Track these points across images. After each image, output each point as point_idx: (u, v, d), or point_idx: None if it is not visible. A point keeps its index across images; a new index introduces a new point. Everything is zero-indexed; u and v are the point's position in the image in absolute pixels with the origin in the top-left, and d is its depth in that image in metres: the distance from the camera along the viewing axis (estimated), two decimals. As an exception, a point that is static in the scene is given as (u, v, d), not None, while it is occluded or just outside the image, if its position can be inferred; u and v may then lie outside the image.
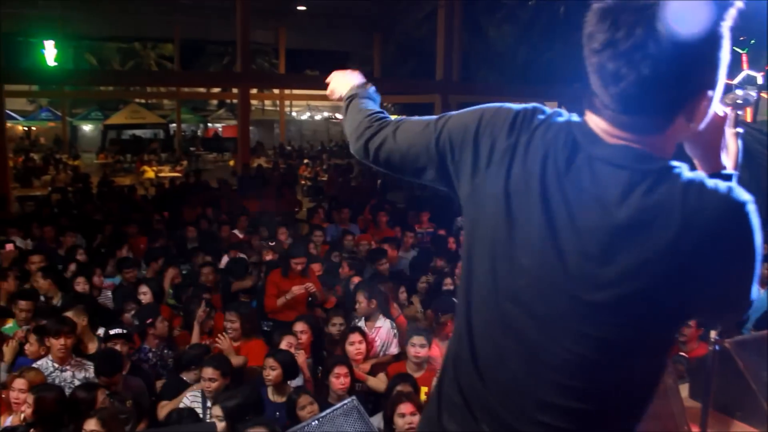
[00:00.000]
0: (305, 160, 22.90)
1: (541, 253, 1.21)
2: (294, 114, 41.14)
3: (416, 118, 1.57)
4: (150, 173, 19.56)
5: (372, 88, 1.88)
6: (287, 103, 33.30)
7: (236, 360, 5.15)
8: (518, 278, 1.24)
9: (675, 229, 1.10)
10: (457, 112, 1.49)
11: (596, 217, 1.17)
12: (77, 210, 11.35)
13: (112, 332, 5.11)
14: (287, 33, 25.97)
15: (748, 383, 3.58)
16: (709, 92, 1.20)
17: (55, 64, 20.18)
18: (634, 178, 1.15)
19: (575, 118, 1.31)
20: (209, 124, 37.33)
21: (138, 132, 31.78)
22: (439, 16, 17.13)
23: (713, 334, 2.91)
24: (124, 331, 5.15)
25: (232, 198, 12.19)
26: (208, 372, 4.51)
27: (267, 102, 37.60)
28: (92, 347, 5.33)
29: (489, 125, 1.36)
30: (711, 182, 1.14)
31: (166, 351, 5.53)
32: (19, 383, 4.34)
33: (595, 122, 1.25)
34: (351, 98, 1.83)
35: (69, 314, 5.19)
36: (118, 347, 4.94)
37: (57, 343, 4.81)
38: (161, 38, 31.38)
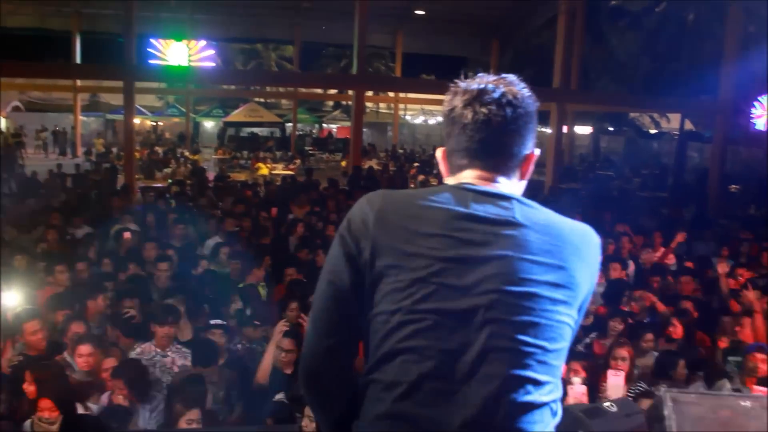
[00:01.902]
0: (415, 164, 22.91)
1: None
2: (408, 118, 41.32)
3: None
4: (264, 170, 20.12)
5: None
6: (401, 106, 33.44)
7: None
8: None
9: None
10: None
11: None
12: (192, 202, 11.78)
13: (212, 322, 5.23)
14: (404, 37, 26.09)
15: None
16: None
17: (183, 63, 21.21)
18: None
19: None
20: (324, 125, 38.10)
21: (255, 130, 32.87)
22: (560, 23, 16.66)
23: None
24: (223, 323, 5.26)
25: (340, 198, 12.31)
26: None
27: (381, 105, 37.97)
28: (187, 334, 5.48)
29: None
30: None
31: (254, 345, 5.59)
32: (108, 362, 4.51)
33: None
34: None
35: (173, 302, 5.37)
36: (215, 338, 5.05)
37: (161, 331, 4.98)
38: (282, 40, 32.33)
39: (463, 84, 1.57)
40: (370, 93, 26.36)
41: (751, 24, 16.37)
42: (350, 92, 19.33)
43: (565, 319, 1.46)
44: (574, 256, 1.48)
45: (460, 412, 1.36)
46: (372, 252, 1.45)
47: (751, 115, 16.72)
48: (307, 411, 4.11)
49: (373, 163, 21.30)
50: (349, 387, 1.53)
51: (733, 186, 17.53)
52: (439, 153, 1.65)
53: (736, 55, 14.72)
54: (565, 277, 1.46)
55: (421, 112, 42.85)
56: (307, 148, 29.88)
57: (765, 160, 16.82)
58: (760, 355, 4.99)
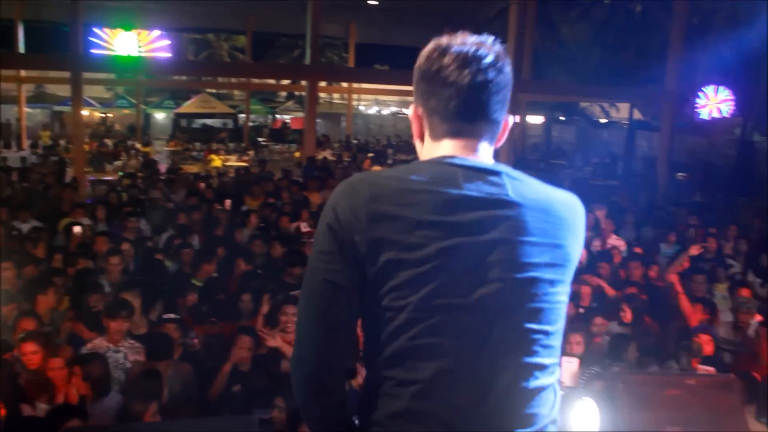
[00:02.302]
0: (369, 154, 22.91)
1: None
2: (362, 108, 41.26)
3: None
4: (217, 162, 19.89)
5: None
6: (355, 96, 33.38)
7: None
8: None
9: None
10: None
11: None
12: (144, 195, 11.60)
13: (165, 316, 5.17)
14: (357, 27, 26.03)
15: (821, 408, 3.35)
16: None
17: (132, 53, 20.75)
18: None
19: None
20: (277, 116, 37.81)
21: (208, 121, 32.46)
22: (511, 14, 16.82)
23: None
24: (178, 316, 5.21)
25: (294, 189, 12.26)
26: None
27: (335, 95, 37.84)
28: (142, 329, 5.41)
29: None
30: None
31: (211, 338, 5.56)
32: (57, 362, 4.41)
33: None
34: None
35: (127, 295, 5.29)
36: (169, 332, 4.99)
37: (114, 325, 4.90)
38: (234, 30, 31.92)
39: (451, 42, 1.50)
40: (323, 83, 26.21)
41: (695, 17, 16.79)
42: (303, 83, 19.23)
43: (563, 299, 1.48)
44: (568, 233, 1.48)
45: (478, 405, 1.37)
46: (369, 247, 1.37)
47: (696, 105, 17.16)
48: (278, 402, 4.11)
49: (328, 154, 21.22)
50: (345, 391, 1.51)
51: (680, 174, 17.98)
52: (411, 111, 1.58)
53: (682, 46, 15.07)
54: (561, 255, 1.46)
55: (375, 103, 42.84)
56: (259, 139, 29.61)
57: (709, 148, 17.31)
58: (704, 336, 5.18)
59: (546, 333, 1.43)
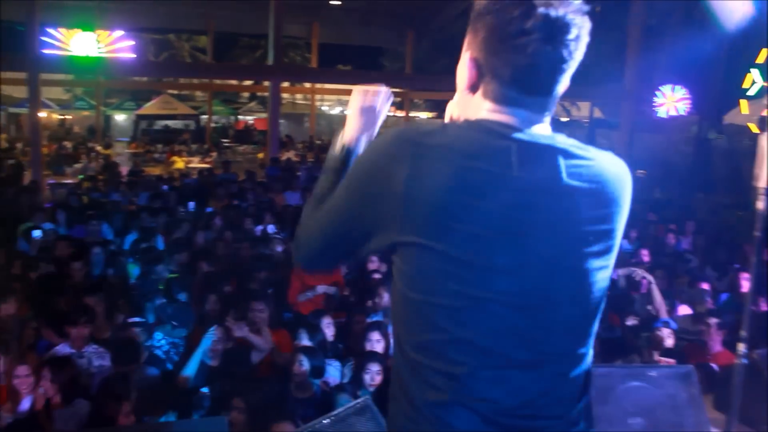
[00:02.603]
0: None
1: None
2: (325, 108, 41.18)
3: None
4: (179, 163, 19.70)
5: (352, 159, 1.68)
6: (318, 97, 33.29)
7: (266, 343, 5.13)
8: None
9: None
10: None
11: None
12: (106, 198, 11.44)
13: (131, 320, 5.13)
14: (320, 27, 25.97)
15: (775, 396, 3.46)
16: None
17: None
18: None
19: None
20: (240, 117, 37.54)
21: (169, 123, 32.07)
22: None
23: (741, 346, 2.81)
24: (143, 320, 5.17)
25: (258, 191, 12.21)
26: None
27: (298, 96, 37.68)
28: (106, 334, 5.36)
29: None
30: None
31: (176, 339, 5.52)
32: (23, 370, 4.35)
33: None
34: (326, 172, 1.66)
35: (89, 300, 5.23)
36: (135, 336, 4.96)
37: (75, 331, 4.84)
38: (195, 30, 31.58)
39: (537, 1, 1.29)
40: (286, 84, 26.11)
41: (652, 17, 17.12)
42: (266, 83, 19.15)
43: (606, 285, 1.40)
44: (618, 216, 1.40)
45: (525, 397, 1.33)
46: (403, 221, 1.28)
47: (654, 104, 17.50)
48: (236, 403, 4.11)
49: (291, 155, 21.16)
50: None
51: (640, 171, 18.33)
52: (467, 59, 1.39)
53: (639, 46, 15.36)
54: (610, 241, 1.38)
55: (338, 103, 42.79)
56: (222, 140, 29.35)
57: (667, 145, 17.66)
58: (665, 330, 5.31)
59: (592, 322, 1.39)
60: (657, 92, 17.44)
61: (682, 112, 17.43)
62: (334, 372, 5.09)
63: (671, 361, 4.63)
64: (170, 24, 27.82)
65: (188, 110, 31.28)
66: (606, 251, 1.38)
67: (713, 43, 13.94)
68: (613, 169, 1.39)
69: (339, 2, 21.86)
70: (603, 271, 1.38)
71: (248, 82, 29.62)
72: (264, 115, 29.84)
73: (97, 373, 4.72)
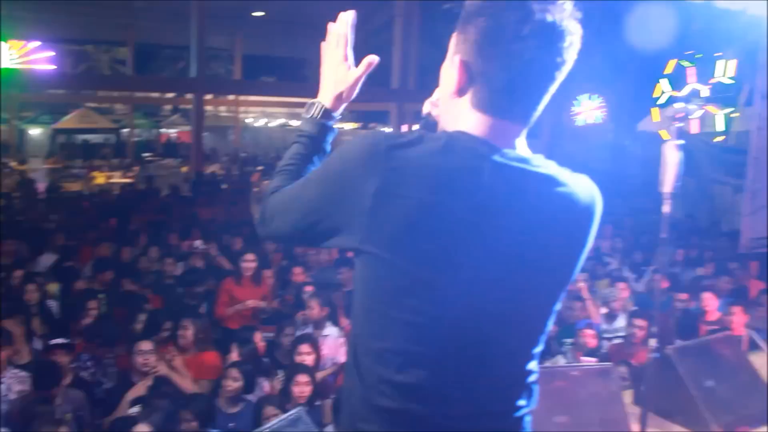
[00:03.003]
0: (259, 168, 22.69)
1: None
2: (249, 121, 40.75)
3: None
4: (100, 179, 19.16)
5: (332, 124, 1.67)
6: (243, 109, 32.93)
7: (184, 383, 5.02)
8: None
9: None
10: None
11: None
12: (22, 216, 11.04)
13: (52, 342, 4.97)
14: (243, 39, 25.76)
15: (688, 390, 3.65)
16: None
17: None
18: None
19: None
20: (163, 130, 36.75)
21: (89, 137, 31.11)
22: (396, 25, 17.21)
23: (653, 341, 2.96)
24: (66, 341, 5.02)
25: (183, 205, 12.01)
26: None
27: (221, 108, 37.19)
28: (26, 357, 5.18)
29: None
30: None
31: (105, 360, 5.39)
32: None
33: None
34: (301, 136, 1.65)
35: (6, 323, 5.04)
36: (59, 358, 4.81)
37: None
38: (115, 41, 30.80)
39: (533, 5, 1.26)
40: (209, 96, 25.76)
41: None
42: (189, 96, 18.85)
43: (557, 306, 1.44)
44: (585, 242, 1.41)
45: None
46: (367, 232, 1.27)
47: (573, 113, 18.07)
48: (184, 415, 4.05)
49: (216, 168, 20.86)
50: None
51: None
52: (456, 62, 1.35)
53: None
54: (573, 266, 1.41)
55: (263, 115, 42.41)
56: (145, 154, 28.64)
57: (586, 153, 18.26)
58: (588, 331, 5.51)
59: (539, 340, 1.41)
60: (575, 101, 18.04)
61: (599, 121, 18.08)
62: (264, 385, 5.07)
63: (593, 360, 4.82)
64: (88, 35, 27.06)
65: (108, 124, 30.41)
66: (568, 276, 1.40)
67: (626, 54, 14.53)
68: (585, 194, 1.37)
69: (262, 13, 21.75)
70: (561, 295, 1.41)
71: (170, 95, 29.04)
72: (187, 128, 29.31)
73: (17, 399, 4.55)
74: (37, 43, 19.28)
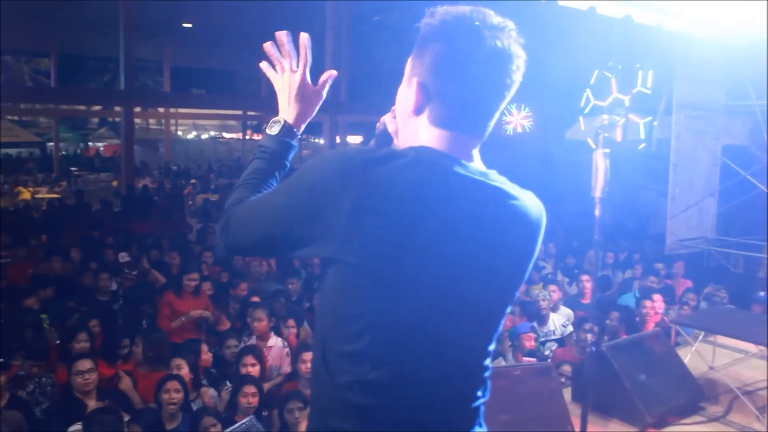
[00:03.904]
0: (192, 180, 22.39)
1: None
2: (179, 133, 40.13)
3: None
4: (26, 194, 18.53)
5: (295, 144, 1.74)
6: (172, 121, 32.44)
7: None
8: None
9: None
10: None
11: None
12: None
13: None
14: (172, 50, 25.41)
15: (623, 384, 3.85)
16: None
17: None
18: None
19: None
20: (90, 143, 35.81)
21: (11, 151, 30.05)
22: (327, 38, 17.32)
23: (589, 337, 3.12)
24: (1, 360, 4.89)
25: (115, 220, 11.76)
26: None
27: (151, 120, 36.53)
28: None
29: None
30: None
31: (44, 378, 5.25)
32: None
33: None
34: (263, 152, 1.70)
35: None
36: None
37: None
38: (36, 52, 29.91)
39: (485, 32, 1.38)
40: (138, 109, 25.27)
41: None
42: (118, 108, 18.48)
43: (508, 309, 1.60)
44: (534, 251, 1.53)
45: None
46: (342, 243, 1.34)
47: (503, 122, 18.54)
48: (132, 427, 4.00)
49: (147, 182, 20.48)
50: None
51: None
52: (413, 83, 1.45)
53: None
54: (523, 273, 1.53)
55: (193, 127, 41.86)
56: (72, 168, 27.85)
57: (515, 161, 18.71)
58: (527, 335, 5.72)
59: (490, 341, 1.53)
60: (504, 112, 18.51)
61: (527, 129, 18.61)
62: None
63: (532, 360, 5.00)
64: (7, 44, 26.15)
65: (32, 137, 29.48)
66: (519, 281, 1.53)
67: (552, 66, 15.02)
68: (534, 208, 1.49)
69: (190, 24, 21.51)
70: (512, 298, 1.55)
71: (98, 107, 28.34)
72: (116, 141, 28.68)
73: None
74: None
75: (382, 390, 1.41)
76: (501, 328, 1.55)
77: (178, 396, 4.60)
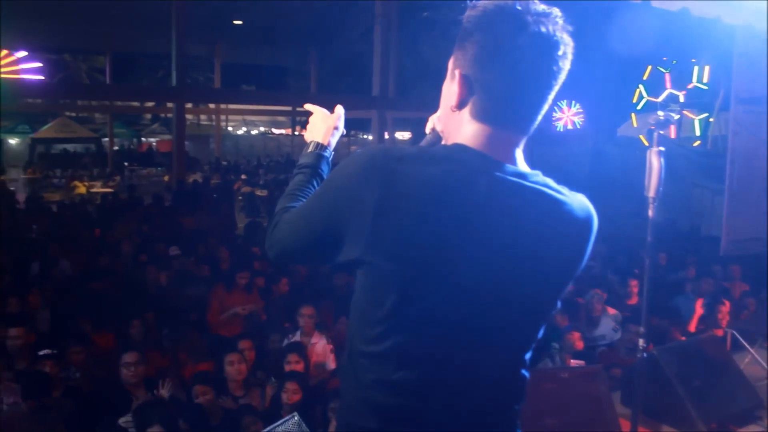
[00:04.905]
0: (242, 176, 22.67)
1: None
2: (230, 129, 40.70)
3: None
4: (81, 189, 19.02)
5: (328, 155, 1.84)
6: (223, 117, 32.91)
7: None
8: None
9: None
10: None
11: None
12: (2, 227, 10.93)
13: (41, 353, 4.96)
14: (223, 47, 25.75)
15: (676, 389, 3.72)
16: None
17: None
18: None
19: None
20: (143, 139, 36.59)
21: (68, 146, 30.90)
22: (376, 33, 17.29)
23: (641, 342, 3.02)
24: (54, 352, 5.00)
25: (166, 215, 11.97)
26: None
27: (202, 116, 37.13)
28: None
29: None
30: None
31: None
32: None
33: None
34: (301, 168, 1.79)
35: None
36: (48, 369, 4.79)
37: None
38: (92, 50, 30.66)
39: (528, 17, 1.32)
40: (189, 105, 25.70)
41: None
42: (169, 104, 18.80)
43: (548, 318, 1.56)
44: (579, 259, 1.48)
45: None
46: (369, 244, 1.31)
47: (553, 118, 18.29)
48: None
49: (198, 177, 20.81)
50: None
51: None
52: (456, 76, 1.40)
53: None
54: (567, 279, 1.50)
55: (243, 123, 42.39)
56: (125, 163, 28.50)
57: (566, 158, 18.45)
58: (575, 334, 5.59)
59: (529, 347, 1.50)
60: (555, 107, 18.25)
61: (578, 126, 18.31)
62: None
63: (581, 362, 4.89)
64: (65, 43, 26.91)
65: (88, 133, 30.25)
66: (560, 289, 1.47)
67: (605, 60, 14.73)
68: (581, 212, 1.41)
69: (241, 22, 21.76)
70: (552, 306, 1.48)
71: (150, 104, 28.93)
72: (168, 137, 29.21)
73: (8, 409, 4.54)
74: (23, 53, 19.12)
75: (406, 391, 1.38)
76: (539, 335, 1.49)
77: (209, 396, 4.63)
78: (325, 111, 1.91)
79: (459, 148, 1.37)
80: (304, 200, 1.64)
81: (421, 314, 1.34)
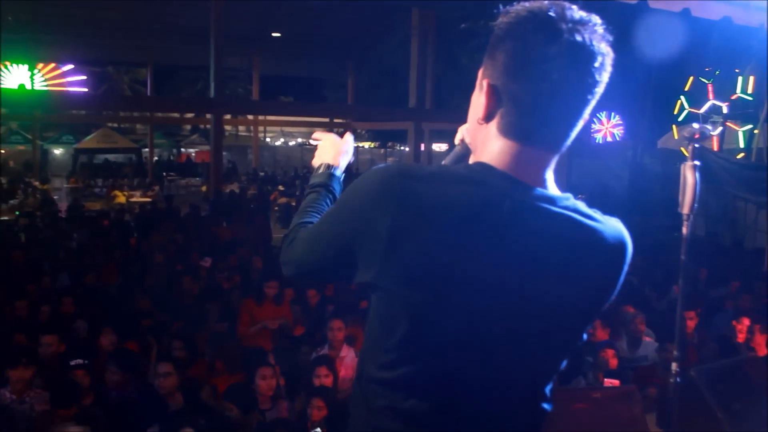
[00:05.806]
0: (279, 187, 22.82)
1: None
2: (268, 140, 41.09)
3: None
4: (121, 198, 19.34)
5: (339, 175, 1.83)
6: (261, 128, 33.23)
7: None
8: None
9: None
10: None
11: None
12: (44, 235, 11.15)
13: (72, 363, 4.99)
14: (261, 59, 26.01)
15: (714, 413, 3.58)
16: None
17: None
18: None
19: None
20: (182, 149, 37.13)
21: (110, 156, 31.51)
22: (413, 45, 17.28)
23: (674, 365, 2.91)
24: (85, 362, 5.03)
25: (202, 224, 12.07)
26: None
27: (240, 127, 37.54)
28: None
29: None
30: None
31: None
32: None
33: None
34: (314, 187, 1.79)
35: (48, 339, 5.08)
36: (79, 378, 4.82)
37: (15, 374, 4.68)
38: (134, 63, 31.28)
39: (561, 25, 1.21)
40: (228, 116, 25.97)
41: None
42: (208, 116, 19.02)
43: (573, 347, 1.46)
44: (609, 289, 1.38)
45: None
46: (381, 268, 1.26)
47: (592, 130, 18.06)
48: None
49: (235, 187, 20.99)
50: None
51: (579, 195, 18.81)
52: (484, 86, 1.30)
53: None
54: (595, 309, 1.43)
55: (281, 134, 42.77)
56: (165, 173, 28.93)
57: (604, 170, 18.20)
58: (609, 351, 5.43)
59: (550, 378, 1.41)
60: (594, 119, 18.03)
61: (617, 138, 18.05)
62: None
63: (615, 382, 4.74)
64: (109, 56, 27.48)
65: (129, 144, 30.79)
66: (587, 320, 1.39)
67: (644, 72, 14.51)
68: (613, 238, 1.31)
69: (278, 34, 21.97)
70: (574, 337, 1.38)
71: (189, 115, 29.35)
72: (206, 148, 29.56)
73: (38, 418, 4.57)
74: (69, 67, 19.63)
75: (416, 421, 1.31)
76: (561, 367, 1.40)
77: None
78: (334, 136, 1.91)
79: (482, 168, 1.28)
80: (319, 217, 1.60)
81: (434, 344, 1.27)
